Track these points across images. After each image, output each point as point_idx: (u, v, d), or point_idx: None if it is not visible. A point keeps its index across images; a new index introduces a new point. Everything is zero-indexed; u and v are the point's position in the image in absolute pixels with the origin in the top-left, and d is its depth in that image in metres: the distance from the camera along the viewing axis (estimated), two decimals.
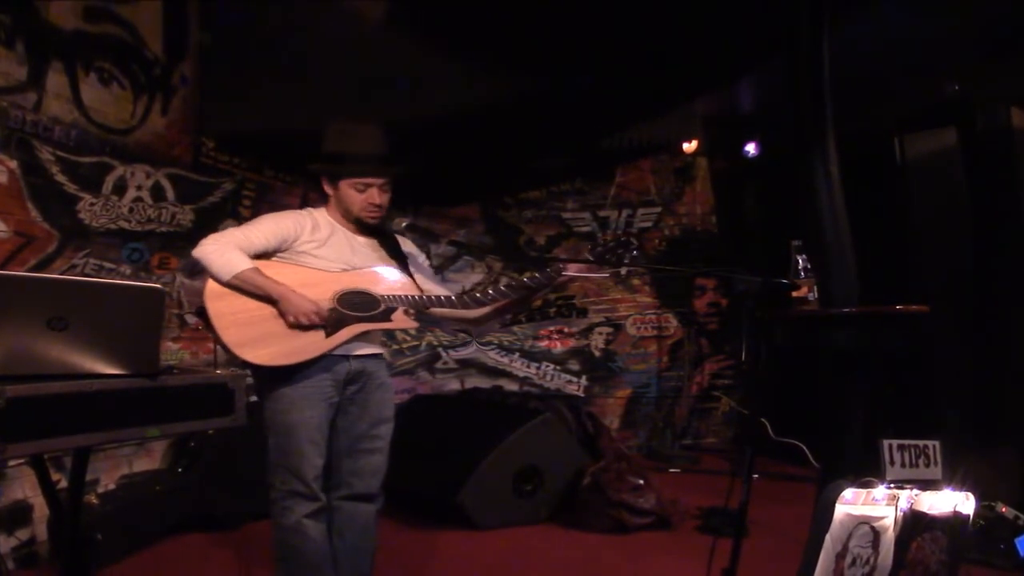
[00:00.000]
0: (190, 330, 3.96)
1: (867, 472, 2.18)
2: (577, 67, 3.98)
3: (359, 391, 2.32)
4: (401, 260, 2.41)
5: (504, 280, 5.81)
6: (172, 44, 3.96)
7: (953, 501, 1.97)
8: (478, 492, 3.61)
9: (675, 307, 5.97)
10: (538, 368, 5.88)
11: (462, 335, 5.70)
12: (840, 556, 2.08)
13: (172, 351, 3.89)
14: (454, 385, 5.67)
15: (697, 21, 3.66)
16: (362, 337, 2.28)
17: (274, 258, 2.25)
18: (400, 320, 2.31)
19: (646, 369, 5.94)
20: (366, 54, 3.73)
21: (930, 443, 2.20)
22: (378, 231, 2.42)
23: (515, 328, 5.89)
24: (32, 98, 3.26)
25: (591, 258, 2.60)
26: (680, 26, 3.70)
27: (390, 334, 5.11)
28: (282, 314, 2.15)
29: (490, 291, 2.28)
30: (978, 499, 2.00)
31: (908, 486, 2.08)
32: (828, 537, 2.13)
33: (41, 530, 3.05)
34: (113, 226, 3.65)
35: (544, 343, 5.92)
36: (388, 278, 2.33)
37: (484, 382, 5.70)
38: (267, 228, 2.24)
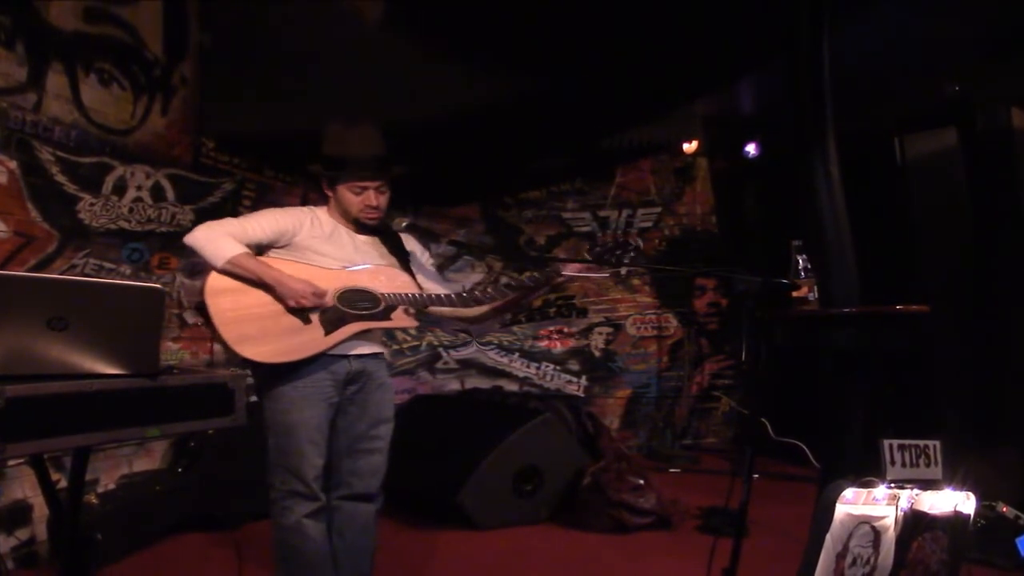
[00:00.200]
0: (190, 330, 3.96)
1: (867, 472, 2.18)
2: (577, 67, 3.98)
3: (359, 391, 2.32)
4: (403, 258, 2.41)
5: (504, 279, 5.81)
6: (172, 45, 3.96)
7: (954, 501, 1.97)
8: (478, 492, 3.61)
9: (675, 307, 5.97)
10: (538, 368, 5.88)
11: (462, 335, 5.70)
12: (841, 556, 2.08)
13: (172, 351, 3.89)
14: (454, 385, 5.67)
15: (697, 21, 3.66)
16: (362, 336, 2.27)
17: (273, 253, 2.25)
18: (400, 319, 2.31)
19: (646, 369, 5.94)
20: (365, 54, 3.72)
21: (930, 443, 2.20)
22: (380, 229, 2.42)
23: (515, 328, 5.89)
24: (32, 99, 3.26)
25: (590, 259, 2.61)
26: (680, 26, 3.70)
27: (390, 333, 5.11)
28: (280, 299, 2.15)
29: (489, 290, 2.28)
30: (979, 499, 1.99)
31: (909, 486, 2.08)
32: (829, 537, 2.13)
33: (41, 530, 3.05)
34: (113, 226, 3.65)
35: (544, 343, 5.92)
36: (389, 276, 2.33)
37: (484, 382, 5.70)
38: (264, 220, 2.24)
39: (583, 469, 3.80)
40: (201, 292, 2.11)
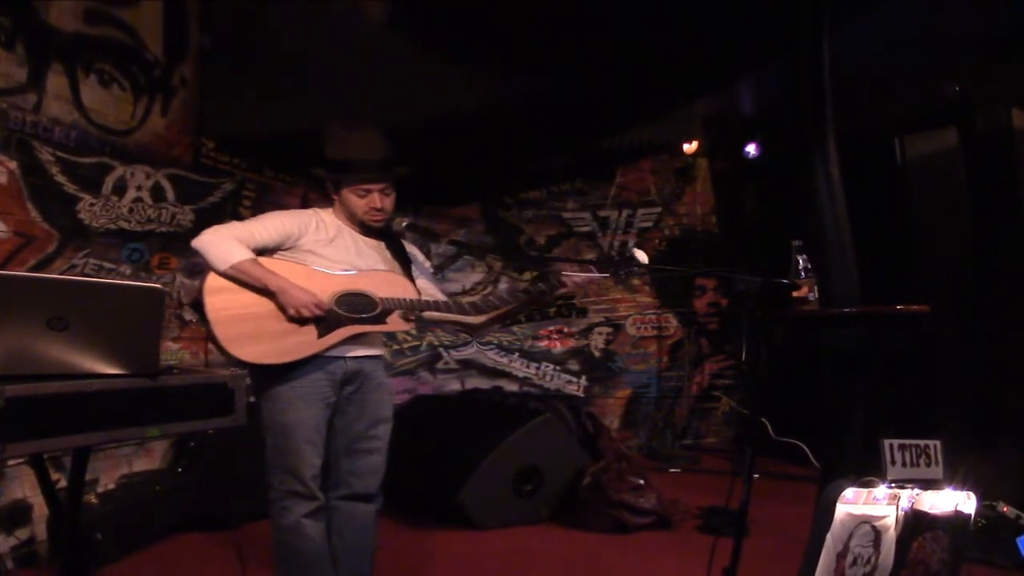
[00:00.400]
0: (190, 330, 3.96)
1: (868, 472, 2.18)
2: (577, 67, 3.98)
3: (356, 391, 2.32)
4: (405, 263, 2.42)
5: (504, 284, 5.81)
6: (172, 46, 3.96)
7: (954, 500, 1.97)
8: (478, 492, 3.61)
9: (675, 307, 5.97)
10: (538, 368, 5.88)
11: (463, 335, 5.70)
12: (841, 555, 2.08)
13: (172, 351, 3.89)
14: (455, 385, 5.67)
15: (697, 21, 3.66)
16: (358, 339, 2.28)
17: (276, 255, 2.25)
18: (395, 323, 2.31)
19: (646, 369, 5.94)
20: (365, 55, 3.72)
21: (931, 443, 2.19)
22: (385, 234, 2.43)
23: (515, 328, 5.89)
24: (32, 99, 3.26)
25: (594, 269, 2.62)
26: (680, 26, 3.70)
27: (391, 334, 5.11)
28: (281, 307, 2.15)
29: (491, 298, 2.30)
30: (979, 498, 1.99)
31: (909, 485, 2.08)
32: (829, 536, 2.13)
33: (40, 530, 3.05)
34: (113, 226, 3.65)
35: (544, 343, 5.92)
36: (389, 281, 2.33)
37: (484, 382, 5.70)
38: (270, 224, 2.25)
39: (583, 469, 3.80)
40: (200, 289, 2.11)
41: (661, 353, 5.94)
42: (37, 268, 3.26)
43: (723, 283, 5.92)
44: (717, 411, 5.96)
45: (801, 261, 2.28)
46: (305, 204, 4.63)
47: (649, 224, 5.99)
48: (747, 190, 5.95)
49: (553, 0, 3.45)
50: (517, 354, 5.87)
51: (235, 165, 4.31)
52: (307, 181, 4.67)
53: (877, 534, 2.02)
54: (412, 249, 2.51)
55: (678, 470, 5.10)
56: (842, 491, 2.16)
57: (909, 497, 2.03)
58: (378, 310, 2.26)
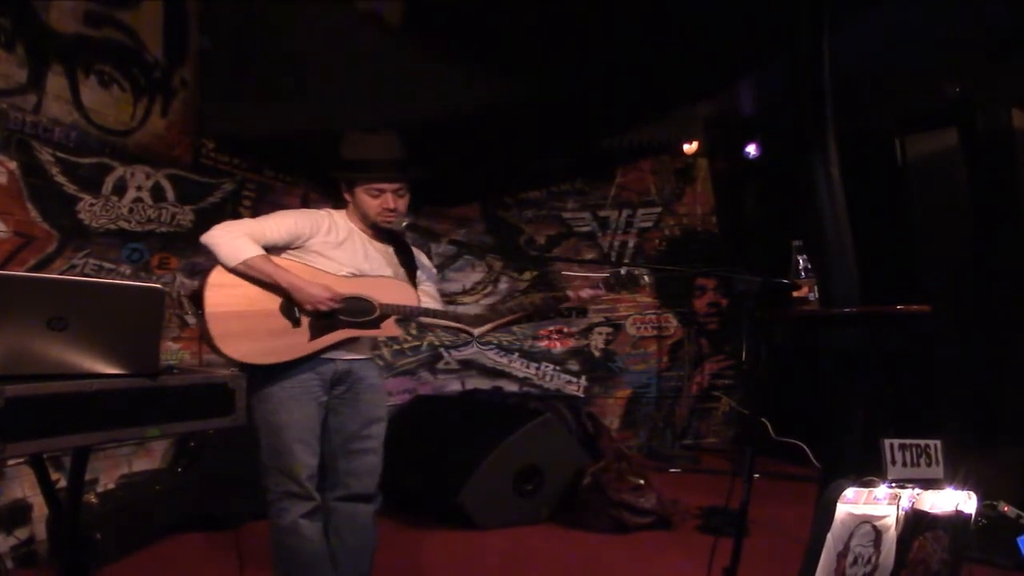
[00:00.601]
0: (190, 330, 3.96)
1: (868, 471, 2.18)
2: (578, 68, 3.98)
3: (347, 392, 2.32)
4: (412, 271, 2.42)
5: (504, 284, 5.81)
6: (172, 47, 3.96)
7: (955, 500, 1.97)
8: (479, 492, 3.61)
9: (675, 307, 5.97)
10: (538, 368, 5.88)
11: (463, 335, 5.69)
12: (842, 555, 2.08)
13: (172, 351, 3.88)
14: (455, 385, 5.67)
15: (698, 22, 3.66)
16: (347, 344, 2.28)
17: (283, 255, 2.25)
18: (388, 328, 2.32)
19: (646, 369, 5.93)
20: (365, 55, 3.73)
21: (931, 442, 2.19)
22: (396, 239, 2.43)
23: (515, 328, 5.88)
24: (32, 100, 3.26)
25: (601, 286, 2.65)
26: (680, 27, 3.70)
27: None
28: (297, 304, 2.15)
29: (497, 308, 2.32)
30: (980, 498, 1.99)
31: (910, 485, 2.08)
32: (830, 536, 2.12)
33: (40, 529, 3.05)
34: (113, 226, 3.65)
35: (544, 343, 5.92)
36: (392, 286, 2.33)
37: (484, 383, 5.69)
38: (282, 223, 2.24)
39: (583, 469, 3.80)
40: (202, 283, 2.11)
41: (661, 353, 5.94)
42: (37, 268, 3.26)
43: (723, 283, 5.91)
44: (717, 411, 5.96)
45: (801, 261, 2.28)
46: (305, 204, 4.63)
47: (649, 224, 5.99)
48: (747, 190, 5.95)
49: (553, 0, 3.45)
50: (517, 354, 5.87)
51: (235, 165, 4.31)
52: (307, 181, 4.67)
53: (878, 534, 2.02)
54: (420, 256, 2.52)
55: (678, 470, 5.10)
56: (842, 491, 2.16)
57: (910, 497, 2.03)
58: (375, 315, 2.26)
